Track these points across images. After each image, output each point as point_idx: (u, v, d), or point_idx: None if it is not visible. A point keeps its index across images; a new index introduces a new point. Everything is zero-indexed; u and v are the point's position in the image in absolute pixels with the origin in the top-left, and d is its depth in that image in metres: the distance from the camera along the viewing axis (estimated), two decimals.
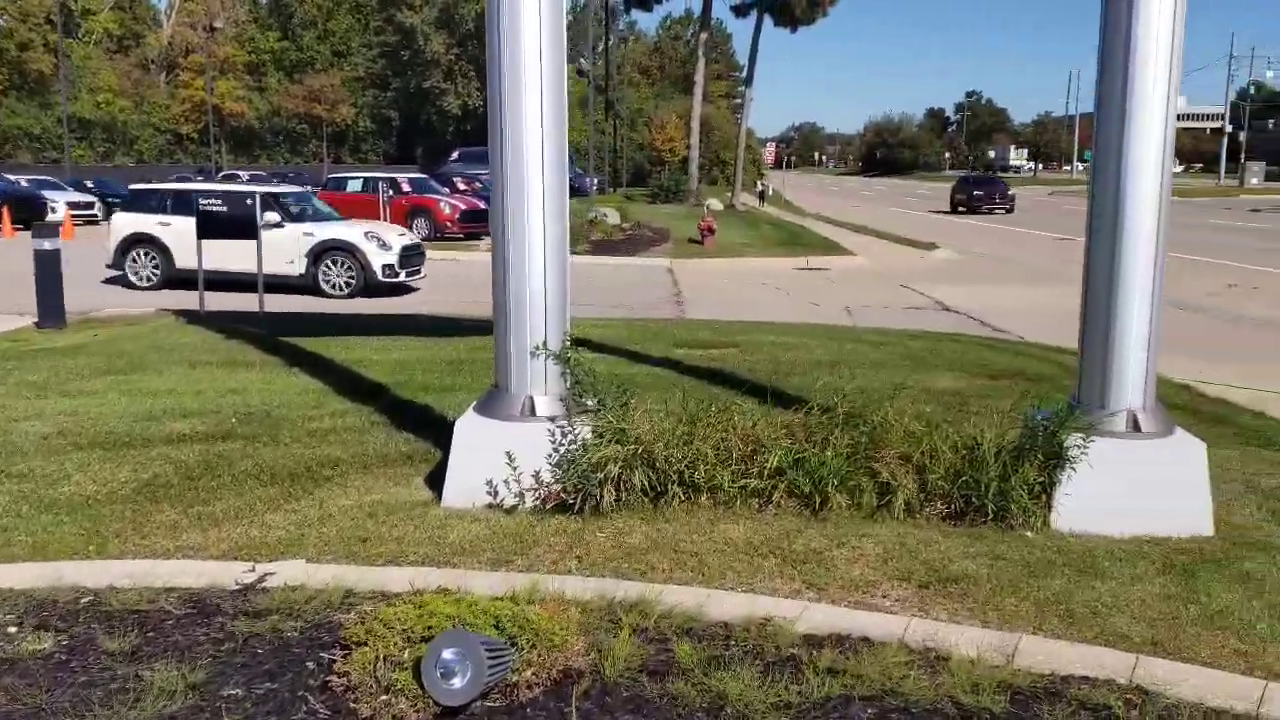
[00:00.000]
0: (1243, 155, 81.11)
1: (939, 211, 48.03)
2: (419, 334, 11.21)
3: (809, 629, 3.85)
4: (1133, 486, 5.05)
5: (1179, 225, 39.82)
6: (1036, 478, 5.12)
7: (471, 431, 5.37)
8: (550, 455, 5.19)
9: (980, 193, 46.61)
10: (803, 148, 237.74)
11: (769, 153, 72.77)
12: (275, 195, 16.84)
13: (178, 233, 15.46)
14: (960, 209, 46.79)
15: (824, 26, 65.60)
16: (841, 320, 14.62)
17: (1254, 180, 75.49)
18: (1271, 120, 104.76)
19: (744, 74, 52.94)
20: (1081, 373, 5.40)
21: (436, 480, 5.56)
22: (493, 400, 5.48)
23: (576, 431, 5.20)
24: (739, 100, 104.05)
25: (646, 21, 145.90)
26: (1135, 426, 5.17)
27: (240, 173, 54.35)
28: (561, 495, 5.14)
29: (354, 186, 28.25)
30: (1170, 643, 3.89)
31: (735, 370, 8.91)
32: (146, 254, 16.22)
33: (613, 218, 29.20)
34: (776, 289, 19.01)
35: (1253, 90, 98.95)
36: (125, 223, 16.45)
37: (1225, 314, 15.84)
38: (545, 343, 5.34)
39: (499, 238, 5.35)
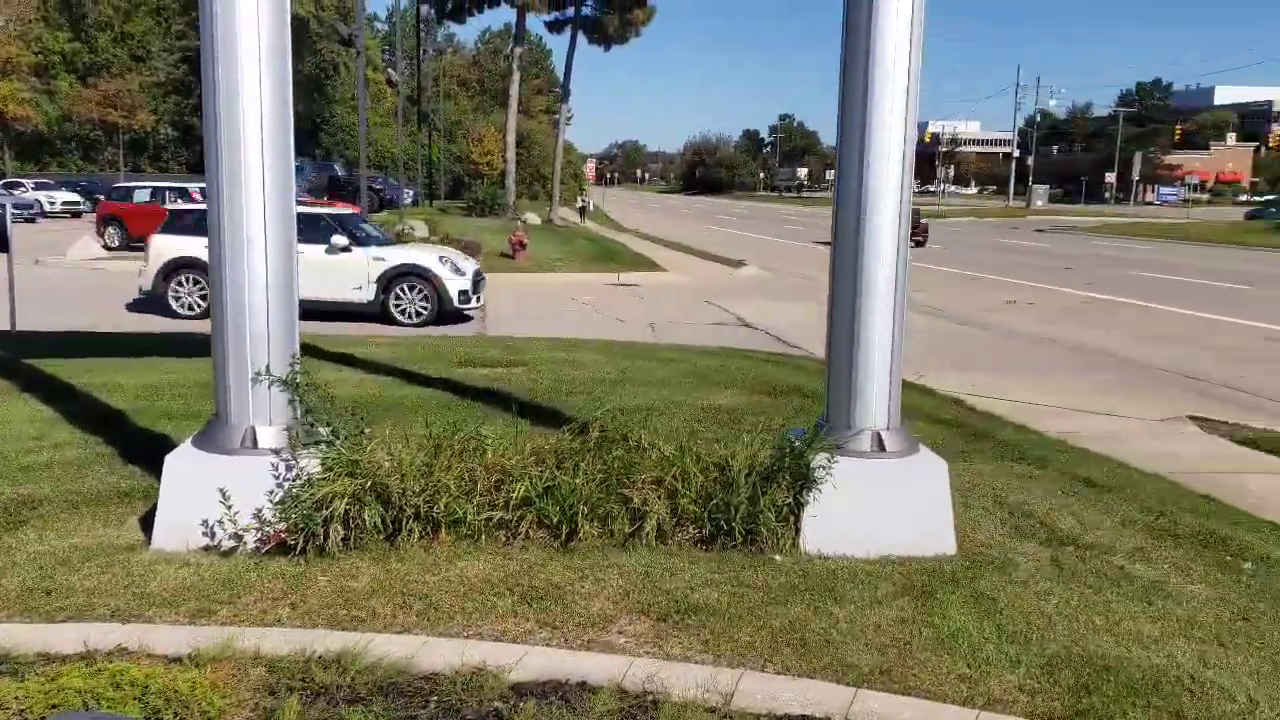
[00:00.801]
0: (1030, 179, 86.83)
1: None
2: (190, 354, 10.41)
3: (525, 677, 3.57)
4: (878, 506, 5.02)
5: (972, 245, 42.11)
6: (785, 499, 5.03)
7: (186, 467, 4.87)
8: (273, 492, 4.75)
9: None
10: (626, 165, 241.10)
11: (590, 168, 72.99)
12: (338, 218, 15.94)
13: None
14: None
15: (639, 46, 67.12)
16: (644, 336, 14.55)
17: (1039, 202, 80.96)
18: (1055, 146, 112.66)
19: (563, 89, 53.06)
20: (829, 394, 5.35)
21: (152, 521, 5.02)
22: (212, 432, 4.99)
23: (302, 465, 4.78)
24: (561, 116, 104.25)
25: (466, 34, 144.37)
26: (880, 446, 5.15)
27: (25, 181, 50.48)
28: (284, 536, 4.70)
29: (141, 196, 26.56)
30: (898, 671, 3.81)
31: (514, 390, 8.61)
32: (193, 280, 14.91)
33: (421, 230, 28.44)
34: (584, 304, 18.85)
35: (1039, 118, 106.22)
36: (167, 246, 15.13)
37: (1002, 329, 16.61)
38: (268, 368, 4.90)
39: (214, 244, 4.87)
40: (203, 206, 16.81)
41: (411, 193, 48.97)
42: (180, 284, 15.10)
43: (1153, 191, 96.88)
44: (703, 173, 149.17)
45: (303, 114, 57.52)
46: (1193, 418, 10.03)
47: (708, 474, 5.09)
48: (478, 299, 15.97)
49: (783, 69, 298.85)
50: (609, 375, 9.47)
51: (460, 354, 10.76)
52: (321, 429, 4.97)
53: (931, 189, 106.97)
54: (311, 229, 15.32)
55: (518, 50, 45.22)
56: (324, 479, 4.71)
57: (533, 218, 44.36)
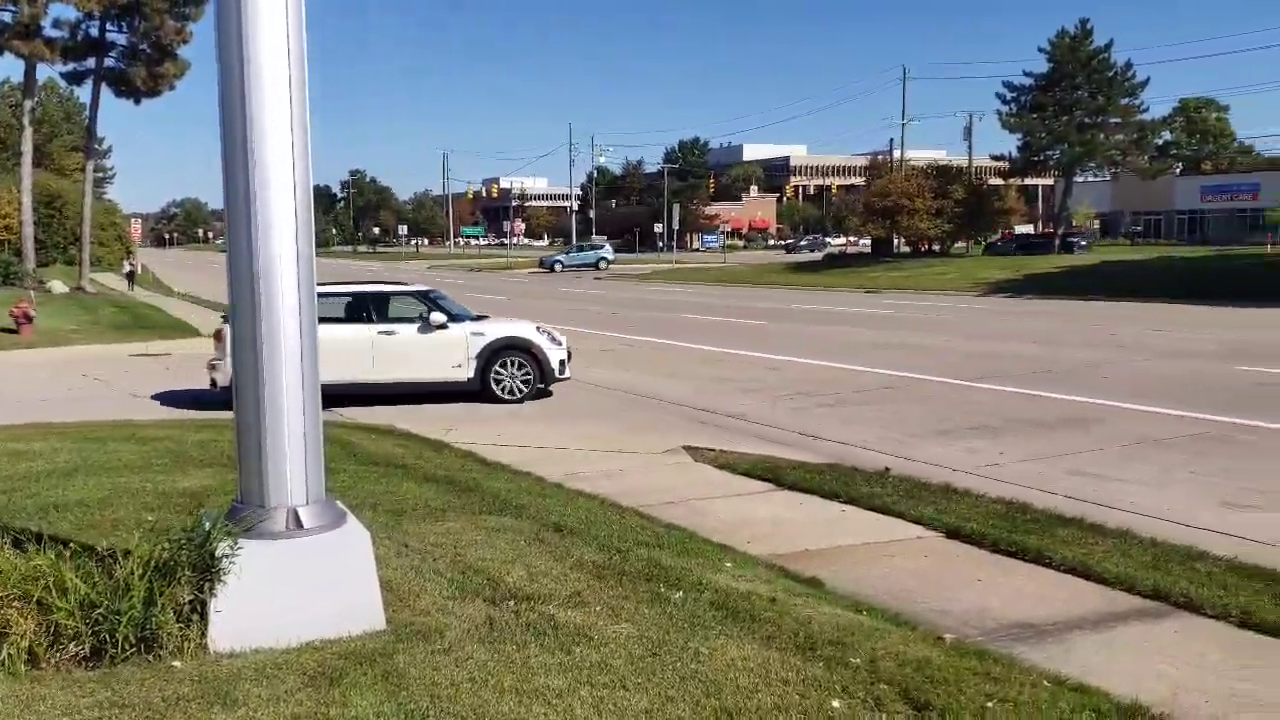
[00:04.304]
0: (594, 231, 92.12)
1: None
2: None
3: None
4: (297, 590, 4.60)
5: (535, 295, 43.49)
6: (189, 595, 4.47)
7: None
8: None
9: None
10: (187, 223, 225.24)
11: (134, 229, 67.07)
12: (426, 293, 14.84)
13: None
14: None
15: (181, 99, 63.00)
16: (151, 412, 13.20)
17: None
18: (614, 200, 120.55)
19: (100, 145, 48.30)
20: (241, 471, 4.87)
21: None
22: None
23: None
24: (102, 175, 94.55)
25: None
26: (297, 524, 4.74)
27: None
28: None
29: None
30: None
31: None
32: None
33: None
34: (96, 380, 16.89)
35: (597, 174, 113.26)
36: None
37: None
38: None
39: None
40: None
41: None
42: None
43: (698, 239, 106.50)
44: None
45: None
46: (687, 448, 10.69)
47: (91, 581, 4.40)
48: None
49: (352, 124, 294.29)
50: (62, 464, 8.28)
51: None
52: None
53: (505, 242, 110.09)
54: (402, 307, 14.53)
55: (28, 104, 40.47)
56: None
57: (59, 286, 39.73)
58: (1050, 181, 76.34)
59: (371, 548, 4.86)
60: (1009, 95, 58.16)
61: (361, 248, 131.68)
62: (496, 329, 14.47)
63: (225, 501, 6.86)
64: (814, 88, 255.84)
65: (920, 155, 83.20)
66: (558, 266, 68.91)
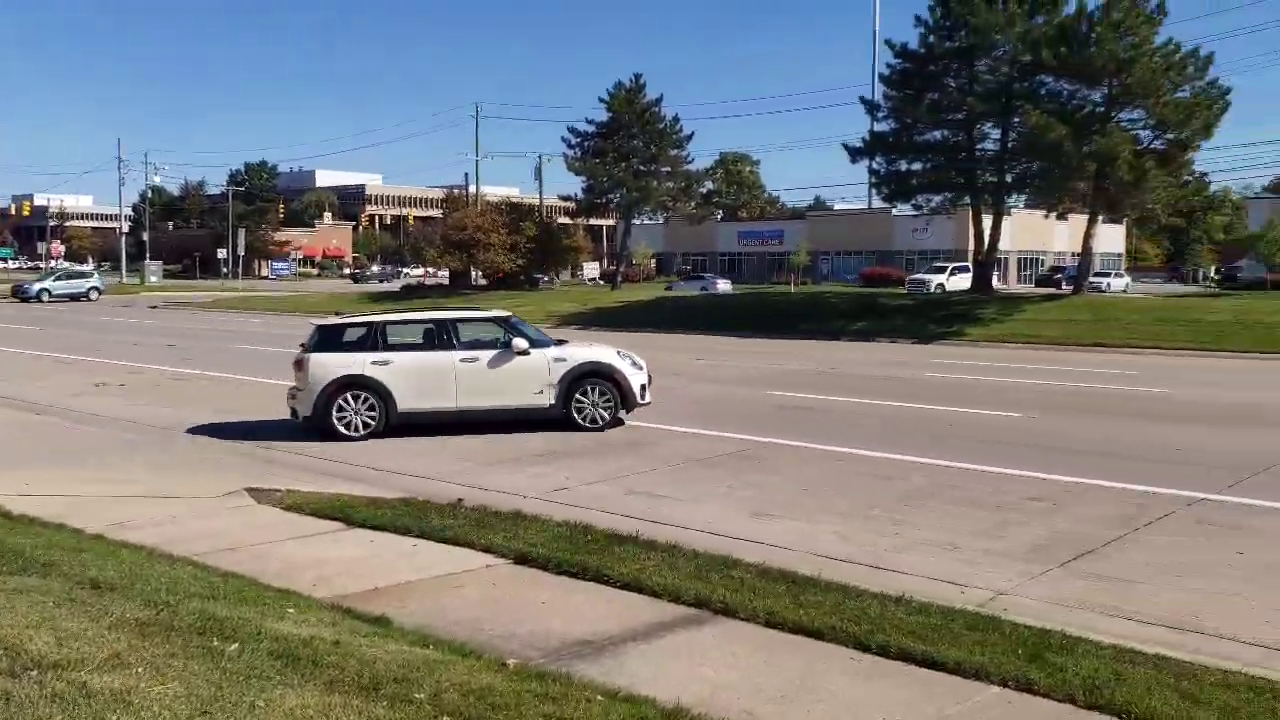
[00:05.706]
0: (148, 255, 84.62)
1: None
2: None
3: None
4: None
5: (74, 324, 39.09)
6: None
7: None
8: None
9: None
10: None
11: None
12: (505, 319, 14.23)
13: (397, 371, 13.13)
14: None
15: None
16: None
17: (153, 278, 79.18)
18: (172, 222, 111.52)
19: None
20: None
21: None
22: None
23: None
24: None
25: None
26: None
27: None
28: None
29: None
30: None
31: None
32: (361, 399, 12.95)
33: None
34: None
35: (152, 194, 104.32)
36: (329, 365, 12.99)
37: (85, 415, 15.37)
38: None
39: None
40: (365, 319, 14.14)
41: None
42: (345, 404, 13.08)
43: (268, 266, 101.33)
44: None
45: None
46: (250, 490, 10.12)
47: None
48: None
49: None
50: None
51: None
52: None
53: (40, 266, 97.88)
54: (479, 332, 13.98)
55: None
56: None
57: None
58: (613, 222, 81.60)
59: None
60: (574, 140, 61.46)
61: None
62: (579, 354, 14.07)
63: None
64: (390, 118, 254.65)
65: (495, 191, 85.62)
66: (45, 296, 56.88)
